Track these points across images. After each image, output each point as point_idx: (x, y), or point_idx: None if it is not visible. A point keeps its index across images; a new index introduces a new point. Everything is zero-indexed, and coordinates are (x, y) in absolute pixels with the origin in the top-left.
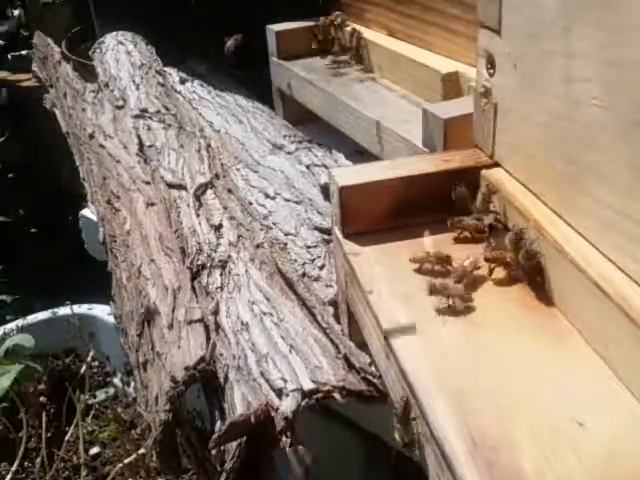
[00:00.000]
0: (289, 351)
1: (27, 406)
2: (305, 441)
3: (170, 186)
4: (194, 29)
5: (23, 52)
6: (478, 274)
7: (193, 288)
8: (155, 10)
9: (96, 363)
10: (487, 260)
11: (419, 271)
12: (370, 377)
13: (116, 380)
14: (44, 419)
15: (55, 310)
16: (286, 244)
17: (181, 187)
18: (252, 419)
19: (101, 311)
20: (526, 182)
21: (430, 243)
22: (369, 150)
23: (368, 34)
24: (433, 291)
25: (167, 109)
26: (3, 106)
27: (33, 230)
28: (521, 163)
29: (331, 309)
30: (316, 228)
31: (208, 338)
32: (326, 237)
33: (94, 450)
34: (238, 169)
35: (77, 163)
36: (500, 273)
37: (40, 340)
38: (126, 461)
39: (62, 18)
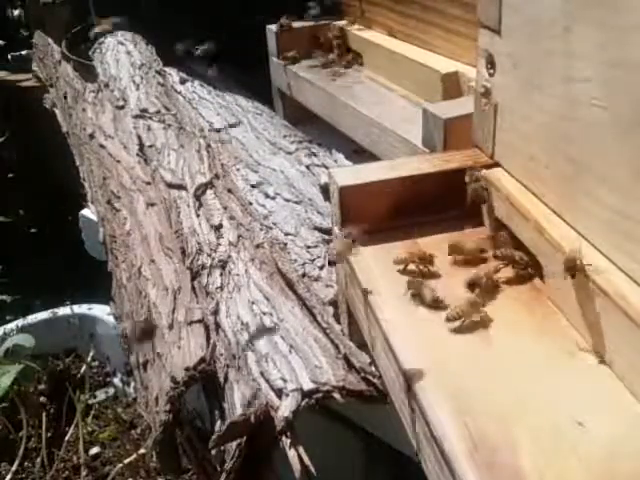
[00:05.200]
0: (289, 351)
1: (27, 406)
2: (305, 441)
3: (170, 186)
4: (194, 29)
5: (23, 52)
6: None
7: (193, 288)
8: (155, 10)
9: (96, 363)
10: (496, 257)
11: (404, 272)
12: (370, 377)
13: (116, 380)
14: (44, 419)
15: (55, 310)
16: (286, 244)
17: (181, 187)
18: (252, 419)
19: (101, 311)
20: (526, 182)
21: (429, 244)
22: (369, 150)
23: (368, 34)
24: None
25: (167, 109)
26: (3, 106)
27: (33, 230)
28: (521, 163)
29: (331, 309)
30: (316, 228)
31: (208, 338)
32: (326, 237)
33: (94, 450)
34: (238, 169)
35: (77, 163)
36: (507, 273)
37: (40, 340)
38: (126, 461)
39: (62, 18)
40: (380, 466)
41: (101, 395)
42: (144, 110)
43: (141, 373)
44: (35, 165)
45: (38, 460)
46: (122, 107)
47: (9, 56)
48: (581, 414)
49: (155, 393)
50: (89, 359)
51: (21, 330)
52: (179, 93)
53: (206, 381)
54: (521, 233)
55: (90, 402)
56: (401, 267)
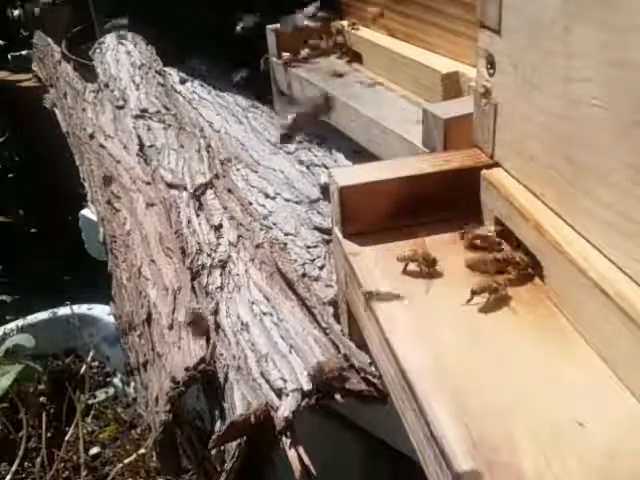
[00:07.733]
0: (289, 351)
1: (27, 406)
2: (305, 441)
3: (170, 186)
4: (194, 29)
5: (23, 52)
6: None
7: (193, 288)
8: (155, 10)
9: (96, 363)
10: (497, 260)
11: (404, 271)
12: (370, 377)
13: (116, 380)
14: (44, 419)
15: (55, 310)
16: (286, 244)
17: (181, 187)
18: (252, 419)
19: (101, 311)
20: (526, 182)
21: (429, 244)
22: (369, 150)
23: (368, 34)
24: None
25: (167, 109)
26: (3, 106)
27: (33, 230)
28: (521, 163)
29: (331, 309)
30: (316, 228)
31: (208, 338)
32: (326, 237)
33: (94, 450)
34: (238, 169)
35: (77, 163)
36: (507, 273)
37: (40, 340)
38: (126, 461)
39: (62, 18)
40: (380, 465)
41: (101, 395)
42: (144, 110)
43: (141, 373)
44: (35, 165)
45: (38, 460)
46: (122, 107)
47: (9, 56)
48: (581, 414)
49: (155, 393)
50: (89, 359)
51: (21, 330)
52: (179, 93)
53: (206, 381)
54: (521, 233)
55: (90, 402)
56: (402, 266)
